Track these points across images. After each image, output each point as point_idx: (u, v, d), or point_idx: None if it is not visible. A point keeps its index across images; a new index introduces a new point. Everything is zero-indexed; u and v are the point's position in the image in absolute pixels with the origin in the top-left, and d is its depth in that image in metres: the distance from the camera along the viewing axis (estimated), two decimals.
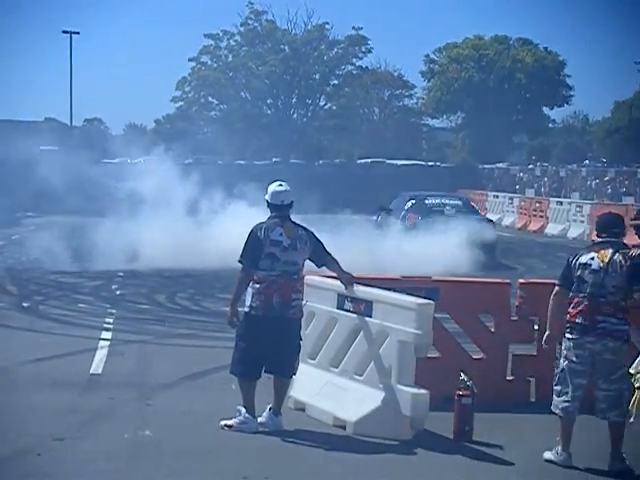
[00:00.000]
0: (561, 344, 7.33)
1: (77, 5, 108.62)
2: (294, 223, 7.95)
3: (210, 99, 61.06)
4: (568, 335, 7.20)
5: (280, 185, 8.03)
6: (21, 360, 10.08)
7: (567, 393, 7.17)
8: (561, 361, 7.26)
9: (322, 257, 8.06)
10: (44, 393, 8.77)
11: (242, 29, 59.91)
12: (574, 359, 7.14)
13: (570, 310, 7.22)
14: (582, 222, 30.89)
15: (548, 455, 7.26)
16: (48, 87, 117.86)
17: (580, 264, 7.20)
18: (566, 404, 7.16)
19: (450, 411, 7.82)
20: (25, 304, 14.05)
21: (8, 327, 12.13)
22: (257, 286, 7.74)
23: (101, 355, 10.51)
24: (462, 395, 7.78)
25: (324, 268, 8.24)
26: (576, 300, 7.19)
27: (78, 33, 61.11)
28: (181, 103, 61.53)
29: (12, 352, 10.51)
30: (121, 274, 17.86)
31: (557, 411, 7.24)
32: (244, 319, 7.83)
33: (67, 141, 57.36)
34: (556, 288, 7.40)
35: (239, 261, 7.85)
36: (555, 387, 7.28)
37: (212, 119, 60.75)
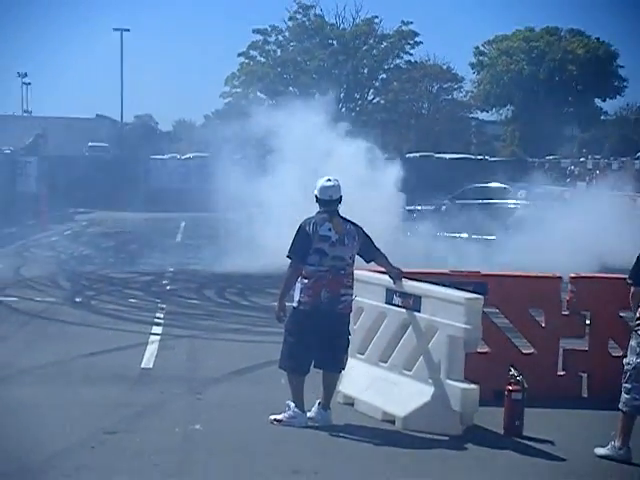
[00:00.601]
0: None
1: (127, 3, 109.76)
2: (343, 218, 7.94)
3: (259, 94, 61.19)
4: None
5: (328, 180, 8.01)
6: (74, 354, 10.24)
7: None
8: (633, 358, 7.06)
9: (371, 252, 8.04)
10: (97, 387, 8.89)
11: (290, 24, 59.96)
12: None
13: None
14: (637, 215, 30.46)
15: (602, 451, 7.15)
16: (99, 84, 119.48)
17: None
18: (639, 402, 7.04)
19: (500, 406, 7.77)
20: (77, 299, 14.25)
21: (61, 322, 12.32)
22: (305, 281, 7.76)
23: (152, 350, 10.62)
24: (512, 390, 7.72)
25: (373, 263, 8.23)
26: None
27: (128, 30, 61.95)
28: (230, 99, 61.75)
29: (65, 347, 10.67)
30: (171, 269, 18.02)
31: (626, 409, 7.06)
32: (292, 314, 7.86)
33: (118, 137, 58.05)
34: (632, 289, 7.22)
35: (287, 256, 7.85)
36: (625, 385, 7.10)
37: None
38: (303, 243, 7.76)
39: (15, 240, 22.82)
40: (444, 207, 25.06)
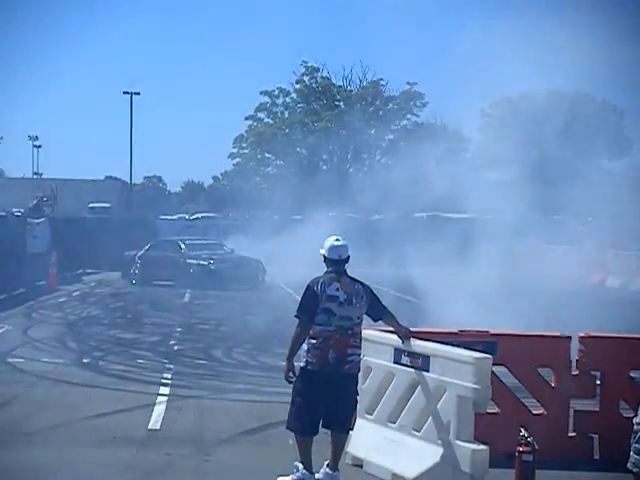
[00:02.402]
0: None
1: (137, 66, 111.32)
2: (351, 278, 7.94)
3: (267, 155, 61.73)
4: None
5: (337, 240, 8.02)
6: (81, 416, 10.18)
7: None
8: None
9: (378, 311, 8.03)
10: (104, 448, 8.83)
11: (297, 86, 60.72)
12: None
13: None
14: None
15: None
16: (109, 146, 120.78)
17: None
18: None
19: (511, 467, 7.68)
20: (85, 360, 14.21)
21: (69, 383, 12.27)
22: (313, 341, 7.73)
23: (159, 410, 10.56)
24: (523, 451, 7.63)
25: (380, 322, 8.21)
26: None
27: (138, 94, 62.76)
28: (238, 159, 62.28)
29: (73, 408, 10.62)
30: (179, 329, 17.99)
31: (637, 470, 6.96)
32: (300, 374, 7.81)
33: (127, 198, 58.29)
34: None
35: (296, 316, 7.84)
36: (635, 445, 7.00)
37: (269, 175, 61.40)
38: (311, 303, 7.75)
39: (24, 301, 22.85)
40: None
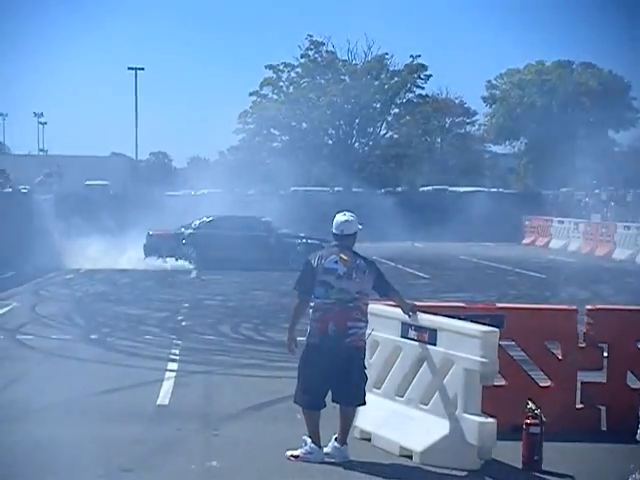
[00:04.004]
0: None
1: (141, 42, 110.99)
2: (354, 253, 7.96)
3: (272, 130, 61.46)
4: None
5: (344, 215, 8.08)
6: (90, 392, 10.23)
7: None
8: None
9: (384, 287, 8.05)
10: (112, 424, 8.87)
11: (302, 61, 60.36)
12: None
13: None
14: None
15: None
16: (114, 122, 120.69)
17: None
18: None
19: (518, 440, 7.71)
20: (93, 336, 14.26)
21: (77, 359, 12.32)
22: (313, 315, 7.79)
23: (168, 386, 10.61)
24: (530, 424, 7.66)
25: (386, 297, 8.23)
26: None
27: (143, 69, 62.62)
28: (244, 135, 62.05)
29: (81, 384, 10.67)
30: (186, 305, 18.04)
31: None
32: (304, 348, 7.86)
33: (133, 174, 58.20)
34: None
35: (294, 288, 7.94)
36: None
37: (274, 150, 61.22)
38: (307, 275, 7.84)
39: (31, 278, 22.91)
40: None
